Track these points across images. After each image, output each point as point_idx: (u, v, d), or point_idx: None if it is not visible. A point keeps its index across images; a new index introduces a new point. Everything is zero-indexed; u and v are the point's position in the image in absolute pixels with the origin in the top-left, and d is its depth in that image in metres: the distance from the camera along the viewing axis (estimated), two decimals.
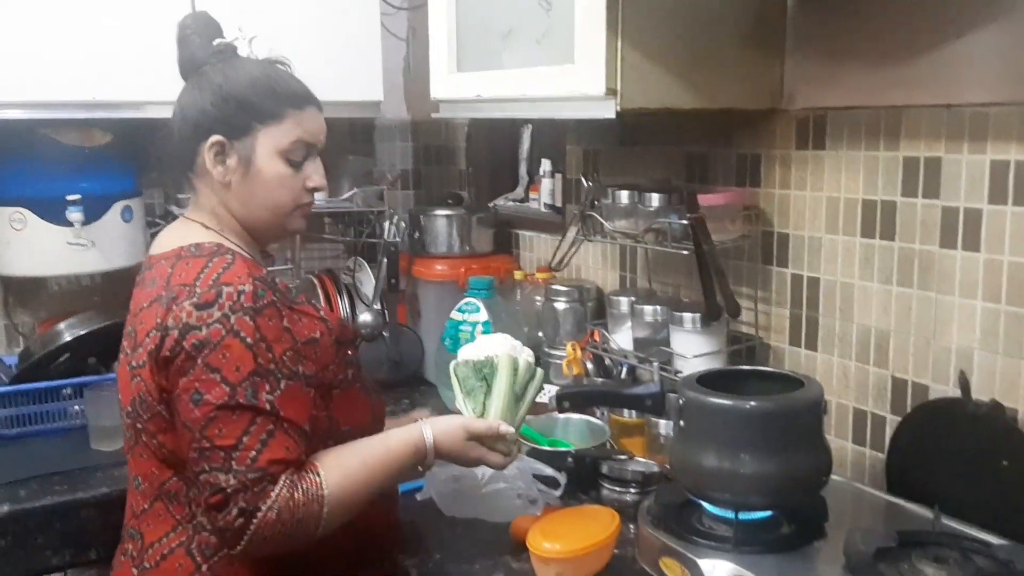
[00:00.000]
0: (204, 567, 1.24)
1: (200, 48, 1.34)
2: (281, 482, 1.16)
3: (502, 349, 1.41)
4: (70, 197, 2.08)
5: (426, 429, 1.31)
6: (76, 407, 2.01)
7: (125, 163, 2.21)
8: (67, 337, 2.07)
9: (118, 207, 2.16)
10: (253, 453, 1.15)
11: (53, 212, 2.09)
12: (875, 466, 1.55)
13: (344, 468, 1.23)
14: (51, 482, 1.76)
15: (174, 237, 1.33)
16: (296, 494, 1.16)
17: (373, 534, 1.36)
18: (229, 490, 1.14)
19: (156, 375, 1.21)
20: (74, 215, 2.09)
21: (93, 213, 2.12)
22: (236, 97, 1.29)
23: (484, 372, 1.39)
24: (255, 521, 1.14)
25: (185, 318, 1.18)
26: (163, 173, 2.31)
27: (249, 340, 1.18)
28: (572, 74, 1.54)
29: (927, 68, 1.42)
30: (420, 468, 1.33)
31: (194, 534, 1.25)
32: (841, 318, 1.60)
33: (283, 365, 1.20)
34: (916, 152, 1.45)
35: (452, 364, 1.45)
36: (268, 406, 1.17)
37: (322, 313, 1.34)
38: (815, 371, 1.64)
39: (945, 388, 1.44)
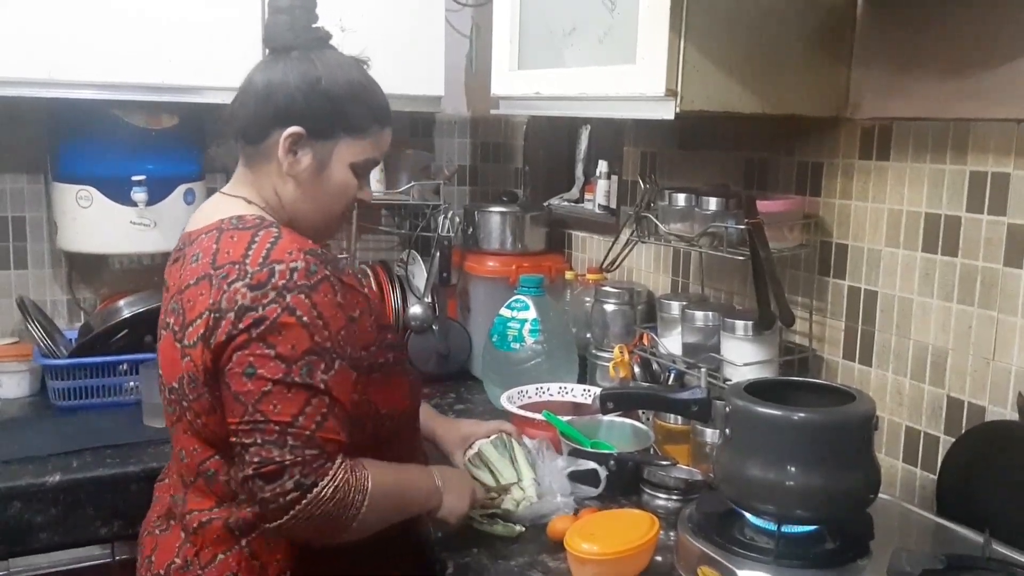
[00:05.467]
0: (243, 541, 1.25)
1: (294, 28, 1.30)
2: (339, 461, 1.18)
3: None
4: (135, 177, 2.12)
5: (438, 480, 1.37)
6: (131, 383, 2.07)
7: (190, 146, 2.25)
8: (126, 314, 2.12)
9: (181, 189, 2.20)
10: (308, 432, 1.15)
11: (118, 191, 2.13)
12: (925, 487, 1.51)
13: (384, 477, 1.25)
14: (103, 455, 1.80)
15: (212, 214, 1.31)
16: (351, 478, 1.18)
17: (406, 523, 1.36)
18: (287, 463, 1.14)
19: (207, 357, 1.19)
20: (138, 195, 2.13)
21: (157, 194, 2.15)
22: (331, 99, 1.27)
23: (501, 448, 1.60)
24: (310, 496, 1.14)
25: (240, 300, 1.16)
26: (222, 142, 2.28)
27: (305, 319, 1.17)
28: (633, 74, 1.53)
29: (998, 81, 1.38)
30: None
31: (235, 510, 1.25)
32: (898, 334, 1.56)
33: (337, 344, 1.20)
34: (984, 167, 1.41)
35: (479, 450, 1.59)
36: (323, 386, 1.17)
37: (365, 290, 1.33)
38: (868, 386, 1.60)
39: (1002, 411, 1.40)
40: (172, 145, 2.19)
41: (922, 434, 1.53)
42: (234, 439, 1.17)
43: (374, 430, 1.29)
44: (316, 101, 1.27)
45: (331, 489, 1.16)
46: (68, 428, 1.93)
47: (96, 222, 2.15)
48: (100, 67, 1.97)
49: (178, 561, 1.27)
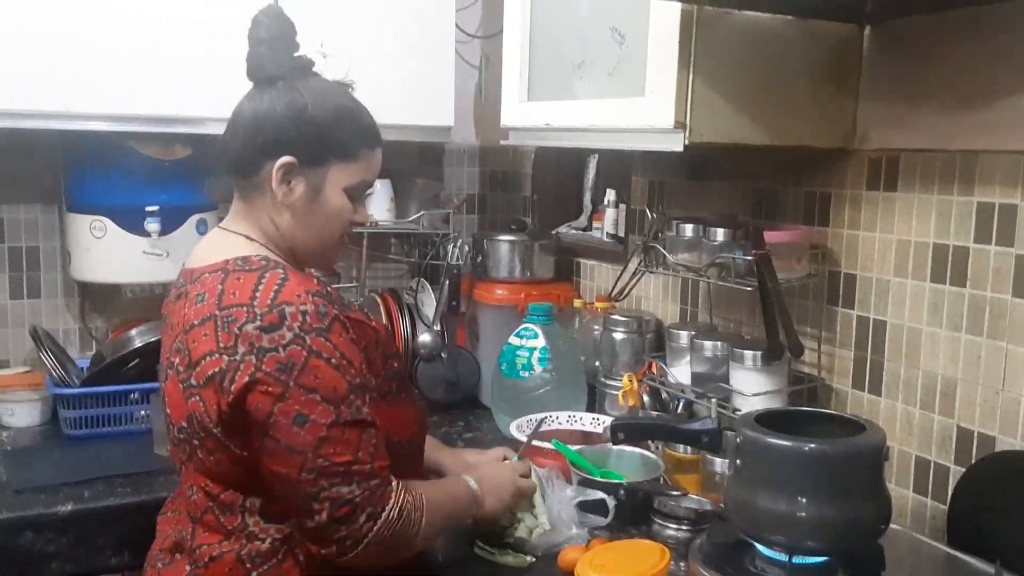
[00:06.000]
0: (254, 573, 1.25)
1: (276, 58, 1.31)
2: (395, 483, 1.23)
3: None
4: (149, 208, 2.14)
5: (473, 484, 1.42)
6: (142, 412, 2.07)
7: (202, 177, 2.27)
8: (137, 343, 2.13)
9: (193, 220, 2.22)
10: (369, 465, 1.20)
11: (132, 222, 2.15)
12: (936, 517, 1.51)
13: (431, 491, 1.31)
14: (114, 484, 1.80)
15: (215, 251, 1.31)
16: (409, 496, 1.24)
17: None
18: (357, 500, 1.18)
19: (222, 399, 1.20)
20: (151, 226, 2.14)
21: (169, 224, 2.17)
22: (319, 126, 1.28)
23: None
24: (379, 522, 1.19)
25: (255, 342, 1.18)
26: (216, 175, 2.28)
27: (333, 361, 1.19)
28: (642, 106, 1.55)
29: (1004, 113, 1.39)
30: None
31: (247, 543, 1.26)
32: (907, 364, 1.57)
33: (363, 377, 1.24)
34: (991, 198, 1.42)
35: None
36: (368, 417, 1.21)
37: (373, 323, 1.35)
38: (878, 416, 1.61)
39: (1012, 441, 1.40)
40: (185, 176, 2.21)
41: (932, 464, 1.53)
42: (292, 490, 1.19)
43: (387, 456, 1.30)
44: (304, 129, 1.28)
45: (396, 510, 1.21)
46: (79, 457, 1.93)
47: (109, 252, 2.17)
48: (115, 99, 2.00)
49: None
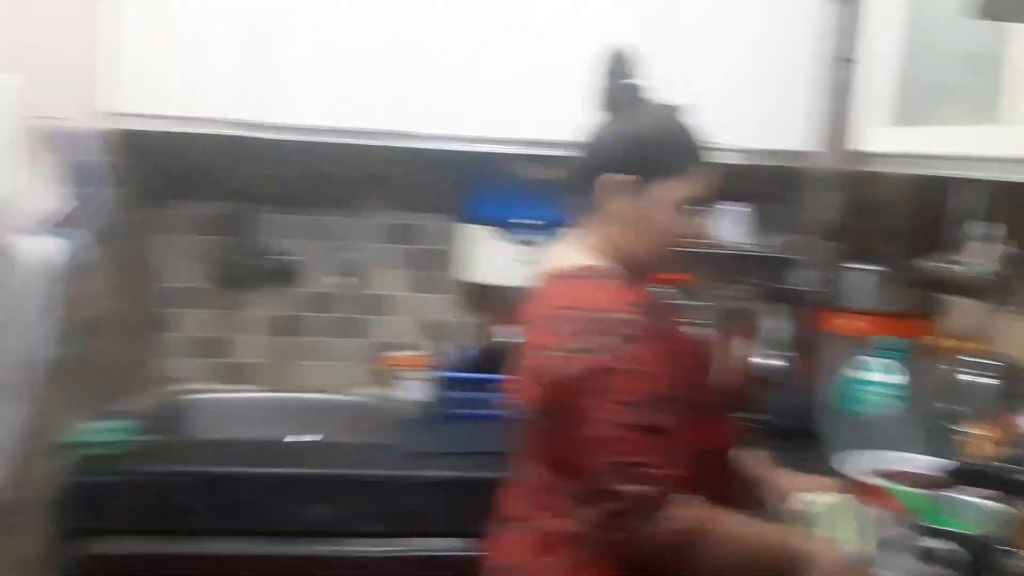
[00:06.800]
0: (574, 550, 1.39)
1: (616, 89, 1.49)
2: (681, 498, 1.31)
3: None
4: (526, 221, 2.45)
5: (809, 546, 1.41)
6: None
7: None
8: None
9: (563, 232, 2.47)
10: (658, 469, 1.30)
11: (511, 232, 2.47)
12: None
13: (730, 526, 1.36)
14: (481, 459, 2.01)
15: (559, 258, 1.50)
16: (688, 517, 1.31)
17: None
18: (638, 500, 1.29)
19: (541, 391, 1.37)
20: (528, 237, 2.45)
21: (543, 236, 2.41)
22: (651, 146, 1.45)
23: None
24: (651, 526, 1.29)
25: (572, 343, 1.33)
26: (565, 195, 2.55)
27: (639, 368, 1.32)
28: (1000, 134, 1.48)
29: None
30: None
31: (569, 523, 1.40)
32: None
33: (667, 387, 1.34)
34: None
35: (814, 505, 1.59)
36: (664, 425, 1.31)
37: (687, 337, 1.47)
38: None
39: None
40: (558, 194, 2.46)
41: None
42: (591, 479, 1.33)
43: (685, 467, 1.36)
44: (637, 149, 1.44)
45: (671, 523, 1.30)
46: (455, 432, 2.24)
47: (492, 258, 2.51)
48: (504, 125, 2.29)
49: (515, 560, 1.47)
